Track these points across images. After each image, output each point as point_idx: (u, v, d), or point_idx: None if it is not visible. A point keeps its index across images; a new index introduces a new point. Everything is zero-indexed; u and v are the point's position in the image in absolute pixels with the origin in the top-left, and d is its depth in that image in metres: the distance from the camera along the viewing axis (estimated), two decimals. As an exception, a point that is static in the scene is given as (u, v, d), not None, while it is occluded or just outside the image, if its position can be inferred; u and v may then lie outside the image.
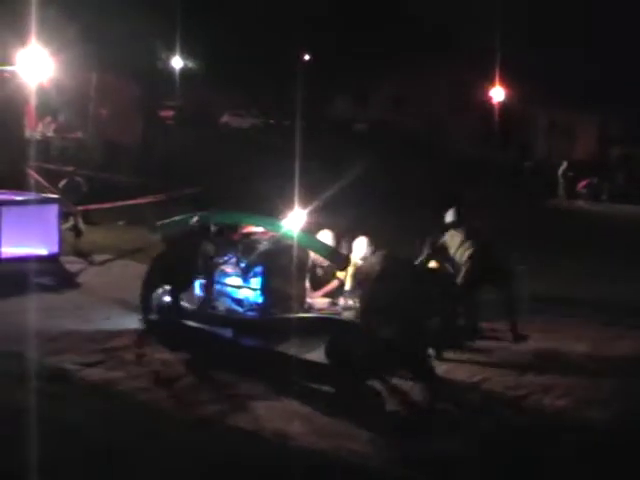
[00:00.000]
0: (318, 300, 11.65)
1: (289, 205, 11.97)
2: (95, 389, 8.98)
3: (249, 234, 11.50)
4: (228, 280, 11.36)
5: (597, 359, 11.01)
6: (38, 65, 19.78)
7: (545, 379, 9.96)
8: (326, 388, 9.22)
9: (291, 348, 10.15)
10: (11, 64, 20.32)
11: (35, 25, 19.01)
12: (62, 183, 18.44)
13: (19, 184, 17.24)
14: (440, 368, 10.10)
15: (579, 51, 45.66)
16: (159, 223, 12.46)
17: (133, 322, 11.43)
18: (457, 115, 51.18)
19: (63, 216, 16.59)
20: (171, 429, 8.02)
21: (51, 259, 14.89)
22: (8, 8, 19.55)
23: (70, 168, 19.76)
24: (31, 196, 16.08)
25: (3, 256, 14.70)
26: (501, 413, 8.94)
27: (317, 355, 9.98)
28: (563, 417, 8.81)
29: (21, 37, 19.58)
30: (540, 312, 13.04)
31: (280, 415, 8.40)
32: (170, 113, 49.54)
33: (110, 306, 12.37)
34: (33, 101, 22.10)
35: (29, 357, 9.71)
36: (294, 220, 11.62)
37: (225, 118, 55.15)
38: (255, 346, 10.53)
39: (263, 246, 11.25)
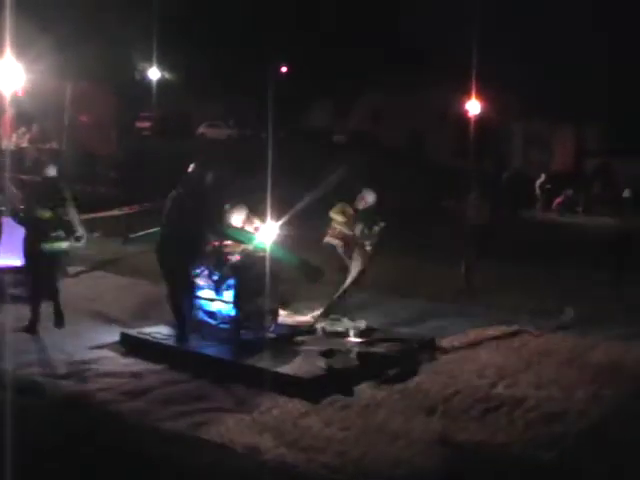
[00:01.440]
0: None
1: (262, 217, 11.95)
2: (66, 401, 8.91)
3: (222, 246, 11.45)
4: (201, 292, 11.34)
5: (572, 369, 10.95)
6: (12, 75, 19.72)
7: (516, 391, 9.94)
8: (296, 401, 9.13)
9: (262, 361, 10.11)
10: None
11: (9, 35, 18.91)
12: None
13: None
14: (413, 380, 10.10)
15: (556, 64, 45.90)
16: (132, 235, 12.42)
17: (105, 334, 11.42)
18: (435, 127, 51.36)
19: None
20: (142, 442, 7.96)
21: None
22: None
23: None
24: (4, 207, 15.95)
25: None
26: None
27: (288, 368, 9.92)
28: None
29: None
30: (509, 322, 13.15)
31: (250, 428, 8.35)
32: (147, 124, 49.44)
33: (82, 318, 12.29)
34: (8, 111, 22.03)
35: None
36: (266, 232, 11.62)
37: (202, 129, 55.05)
38: (226, 358, 10.45)
39: (235, 258, 11.23)
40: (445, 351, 11.50)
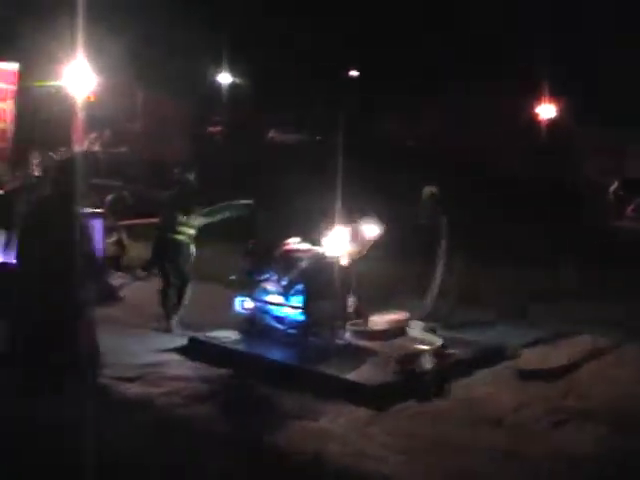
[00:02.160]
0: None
1: (331, 222, 11.91)
2: (131, 404, 8.94)
3: (291, 251, 11.42)
4: (269, 297, 11.32)
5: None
6: (84, 80, 19.94)
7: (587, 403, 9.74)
8: (363, 409, 9.05)
9: (329, 367, 10.05)
10: (58, 79, 20.49)
11: (82, 40, 19.09)
12: (108, 198, 18.48)
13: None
14: (481, 390, 9.96)
15: (634, 67, 45.09)
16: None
17: (173, 338, 11.48)
18: (506, 134, 50.83)
19: (107, 231, 16.69)
20: (206, 448, 7.94)
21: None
22: (55, 24, 19.67)
23: (117, 183, 19.80)
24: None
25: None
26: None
27: (356, 374, 9.85)
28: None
29: (68, 52, 19.71)
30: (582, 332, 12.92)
31: (316, 436, 8.29)
32: (218, 129, 49.67)
33: (150, 321, 12.35)
34: (80, 116, 22.23)
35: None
36: (337, 238, 11.58)
37: (272, 134, 55.10)
38: (293, 364, 10.41)
39: (304, 263, 11.19)
40: (515, 360, 11.34)
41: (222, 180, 28.93)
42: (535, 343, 12.18)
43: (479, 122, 50.08)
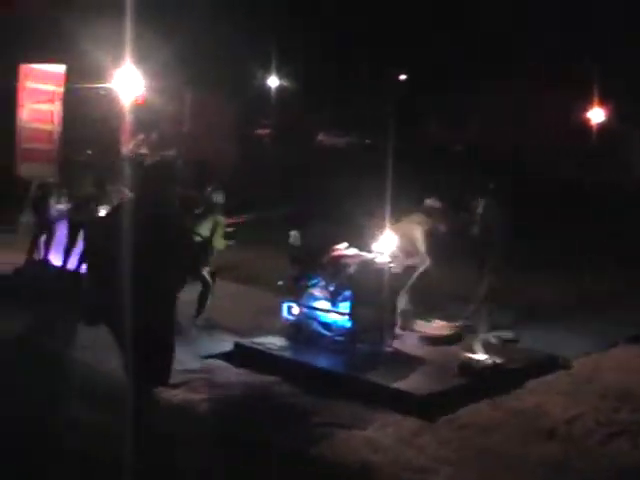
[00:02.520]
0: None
1: (379, 226, 11.78)
2: (174, 411, 8.82)
3: (339, 256, 11.26)
4: (316, 303, 11.17)
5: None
6: (132, 83, 19.96)
7: None
8: (412, 418, 8.86)
9: (377, 375, 9.87)
10: (106, 82, 20.52)
11: (130, 44, 19.11)
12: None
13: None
14: (532, 400, 9.73)
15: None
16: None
17: (219, 343, 11.37)
18: (555, 137, 50.29)
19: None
20: (248, 456, 7.80)
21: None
22: (104, 27, 19.68)
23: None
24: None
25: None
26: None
27: (404, 383, 9.66)
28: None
29: (115, 55, 19.73)
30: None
31: (364, 446, 8.11)
32: (266, 131, 49.63)
33: (201, 327, 12.23)
34: (128, 118, 22.27)
35: (113, 375, 9.64)
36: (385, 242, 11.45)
37: (320, 137, 54.95)
38: (341, 372, 10.24)
39: (352, 269, 11.02)
40: (567, 370, 11.10)
41: (270, 182, 28.92)
42: (587, 352, 11.98)
43: (526, 123, 49.61)
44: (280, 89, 48.64)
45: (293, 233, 11.86)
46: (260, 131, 49.28)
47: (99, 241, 7.46)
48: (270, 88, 47.17)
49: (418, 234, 12.22)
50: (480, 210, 13.28)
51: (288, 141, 46.47)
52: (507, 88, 48.93)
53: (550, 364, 11.06)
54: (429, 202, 12.86)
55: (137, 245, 6.91)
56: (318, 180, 32.46)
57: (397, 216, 12.31)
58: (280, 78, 47.77)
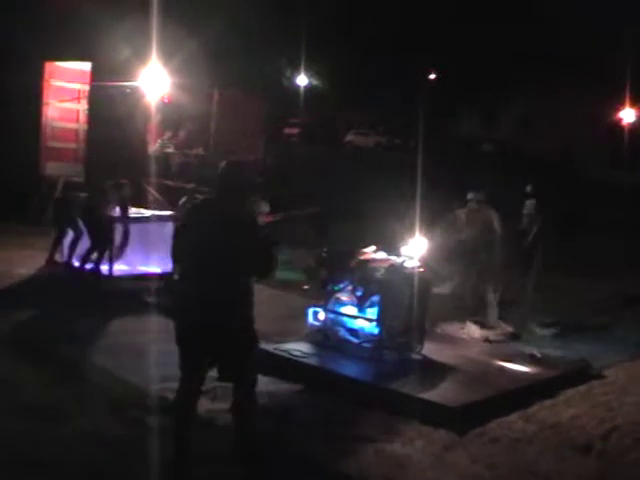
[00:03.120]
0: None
1: (408, 229, 11.48)
2: (200, 421, 8.49)
3: (367, 261, 10.92)
4: (343, 309, 10.84)
5: None
6: (158, 81, 19.72)
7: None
8: (442, 431, 8.49)
9: (406, 385, 9.51)
10: (132, 80, 20.28)
11: (156, 41, 18.86)
12: (182, 200, 18.16)
13: (139, 201, 17.18)
14: (567, 412, 9.33)
15: None
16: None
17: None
18: (587, 137, 49.81)
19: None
20: (266, 467, 7.49)
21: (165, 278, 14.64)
22: (130, 25, 19.45)
23: (190, 185, 19.48)
24: (147, 213, 15.92)
25: (115, 273, 14.58)
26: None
27: (434, 394, 9.29)
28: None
29: (141, 52, 19.48)
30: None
31: (391, 460, 7.76)
32: (295, 131, 49.46)
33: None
34: (155, 117, 22.05)
35: (131, 383, 9.37)
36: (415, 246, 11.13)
37: (349, 136, 54.77)
38: (368, 381, 9.90)
39: (381, 274, 10.68)
40: (603, 380, 10.70)
41: (298, 182, 28.70)
42: (620, 361, 11.63)
43: (559, 124, 49.18)
44: (309, 88, 48.51)
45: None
46: (289, 130, 49.13)
47: (185, 240, 7.41)
48: (299, 87, 47.11)
49: (496, 219, 12.43)
50: (526, 211, 13.35)
51: (317, 140, 46.29)
52: (545, 87, 48.56)
53: (583, 373, 10.67)
54: (475, 197, 12.91)
55: (214, 244, 7.08)
56: (347, 179, 32.23)
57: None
58: (309, 77, 47.68)
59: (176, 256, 7.60)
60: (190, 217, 7.62)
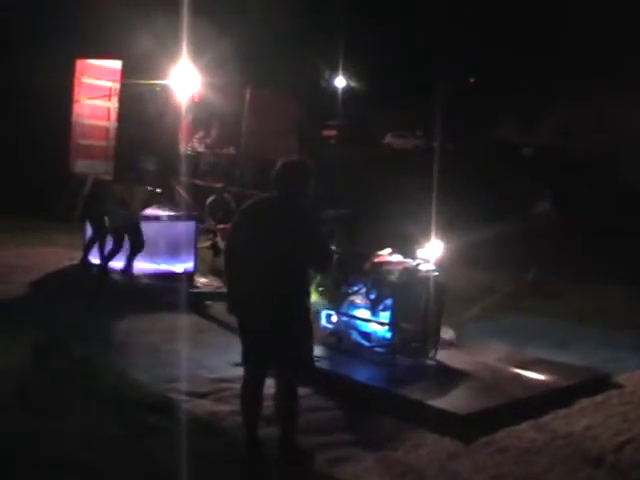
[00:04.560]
0: None
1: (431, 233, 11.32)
2: (197, 424, 8.35)
3: (382, 263, 10.73)
4: (356, 312, 10.66)
5: None
6: (189, 80, 19.65)
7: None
8: (447, 439, 8.27)
9: (415, 391, 9.30)
10: (163, 78, 20.24)
11: (187, 39, 18.78)
12: (209, 200, 18.06)
13: (168, 199, 17.13)
14: (580, 423, 9.06)
15: None
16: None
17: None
18: (628, 143, 49.12)
19: (204, 233, 16.34)
20: (267, 473, 7.38)
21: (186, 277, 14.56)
22: (161, 22, 19.40)
23: (219, 184, 19.37)
24: (170, 212, 15.83)
25: (135, 271, 14.49)
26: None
27: (442, 401, 9.08)
28: None
29: (171, 50, 19.41)
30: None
31: (392, 468, 7.57)
32: (333, 132, 49.33)
33: (230, 332, 11.77)
34: (185, 115, 21.98)
35: (137, 382, 9.26)
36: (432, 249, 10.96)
37: (388, 139, 54.55)
38: (377, 386, 9.70)
39: (395, 276, 10.48)
40: (621, 390, 10.42)
41: (334, 184, 28.51)
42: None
43: (599, 131, 48.59)
44: (348, 90, 48.36)
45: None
46: (327, 132, 48.99)
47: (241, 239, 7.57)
48: (337, 88, 46.95)
49: None
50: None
51: (355, 143, 46.12)
52: (586, 90, 47.98)
53: (601, 382, 10.40)
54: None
55: (272, 242, 7.29)
56: (380, 181, 32.04)
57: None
58: (347, 78, 47.53)
59: (229, 256, 7.67)
60: (245, 217, 7.63)
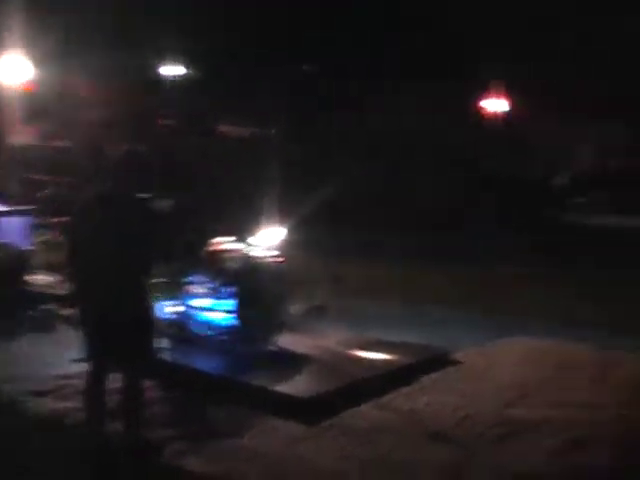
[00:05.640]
0: None
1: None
2: (41, 422, 8.19)
3: (220, 251, 10.66)
4: (196, 302, 10.57)
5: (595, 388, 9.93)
6: (18, 70, 19.09)
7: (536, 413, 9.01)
8: (292, 424, 8.30)
9: (258, 377, 9.31)
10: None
11: (16, 27, 18.28)
12: (41, 193, 17.62)
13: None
14: (421, 400, 9.22)
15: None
16: None
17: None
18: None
19: (38, 228, 15.92)
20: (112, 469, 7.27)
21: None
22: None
23: (51, 177, 18.93)
24: (3, 207, 15.40)
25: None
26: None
27: (285, 386, 9.11)
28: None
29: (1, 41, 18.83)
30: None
31: (236, 455, 7.55)
32: (169, 122, 48.80)
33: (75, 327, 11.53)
34: (16, 108, 21.35)
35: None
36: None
37: (224, 127, 54.25)
38: (219, 374, 9.66)
39: (237, 264, 10.44)
40: (460, 366, 10.65)
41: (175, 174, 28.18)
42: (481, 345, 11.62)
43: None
44: (184, 79, 47.83)
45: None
46: (163, 121, 48.39)
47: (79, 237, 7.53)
48: (173, 78, 46.35)
49: None
50: None
51: (192, 132, 45.68)
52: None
53: (440, 360, 10.61)
54: None
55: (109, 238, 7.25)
56: (218, 170, 31.86)
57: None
58: (186, 67, 46.98)
59: (70, 251, 7.62)
60: (83, 212, 7.56)
